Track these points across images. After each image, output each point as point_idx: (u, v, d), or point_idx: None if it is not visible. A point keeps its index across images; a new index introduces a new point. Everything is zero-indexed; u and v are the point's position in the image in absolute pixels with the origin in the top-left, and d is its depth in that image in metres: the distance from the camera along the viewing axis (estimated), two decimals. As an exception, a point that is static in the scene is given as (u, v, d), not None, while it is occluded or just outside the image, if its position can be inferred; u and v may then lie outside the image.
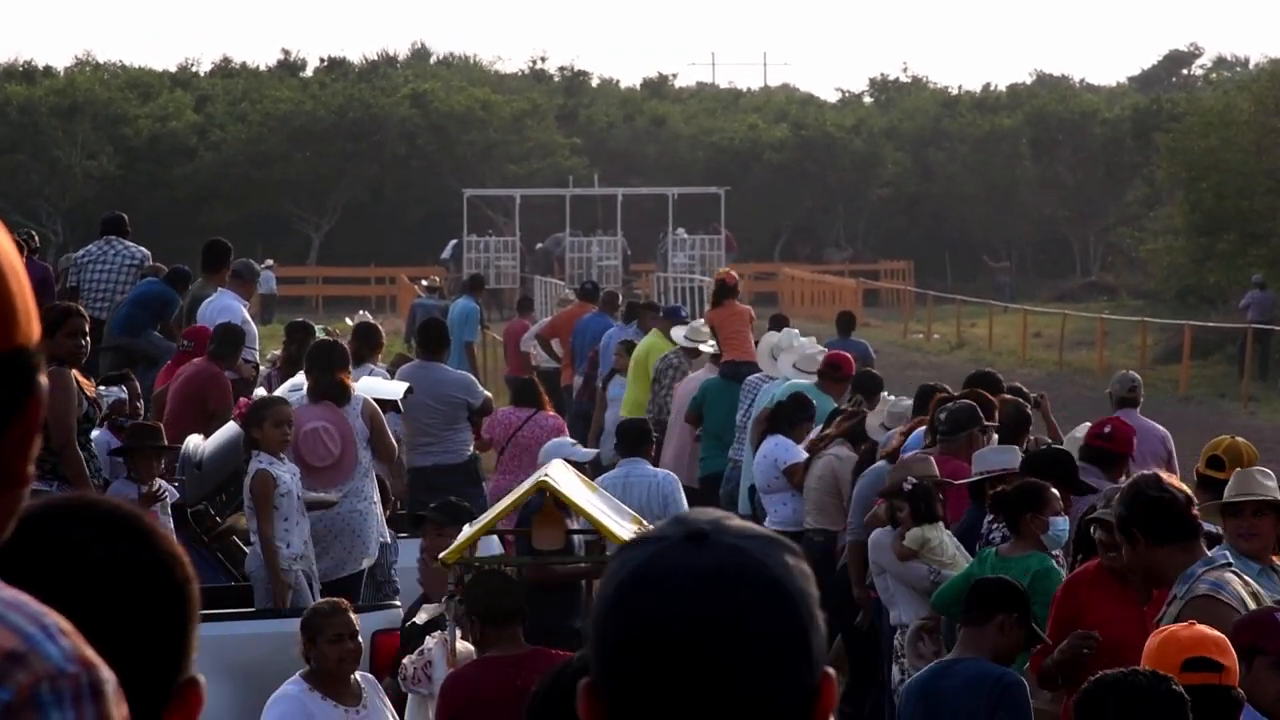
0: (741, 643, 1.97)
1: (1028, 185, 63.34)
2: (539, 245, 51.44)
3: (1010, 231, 63.43)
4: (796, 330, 16.14)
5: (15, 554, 2.04)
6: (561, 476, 9.95)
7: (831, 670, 2.04)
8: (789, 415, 13.60)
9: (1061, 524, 8.84)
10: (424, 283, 34.28)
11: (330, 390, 11.92)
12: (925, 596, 9.71)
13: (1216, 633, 5.77)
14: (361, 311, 26.22)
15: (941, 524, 9.87)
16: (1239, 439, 9.97)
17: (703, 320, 18.32)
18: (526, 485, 9.92)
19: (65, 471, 10.71)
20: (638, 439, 12.67)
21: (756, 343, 16.29)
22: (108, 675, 1.80)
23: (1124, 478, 9.77)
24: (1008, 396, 11.63)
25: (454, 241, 50.52)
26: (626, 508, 10.85)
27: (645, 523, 10.26)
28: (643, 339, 19.46)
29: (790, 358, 15.19)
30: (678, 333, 18.43)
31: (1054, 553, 8.86)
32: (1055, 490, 8.80)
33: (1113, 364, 37.27)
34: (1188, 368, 34.08)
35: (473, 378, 16.07)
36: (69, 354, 10.75)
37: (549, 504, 9.83)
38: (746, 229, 56.14)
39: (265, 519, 10.89)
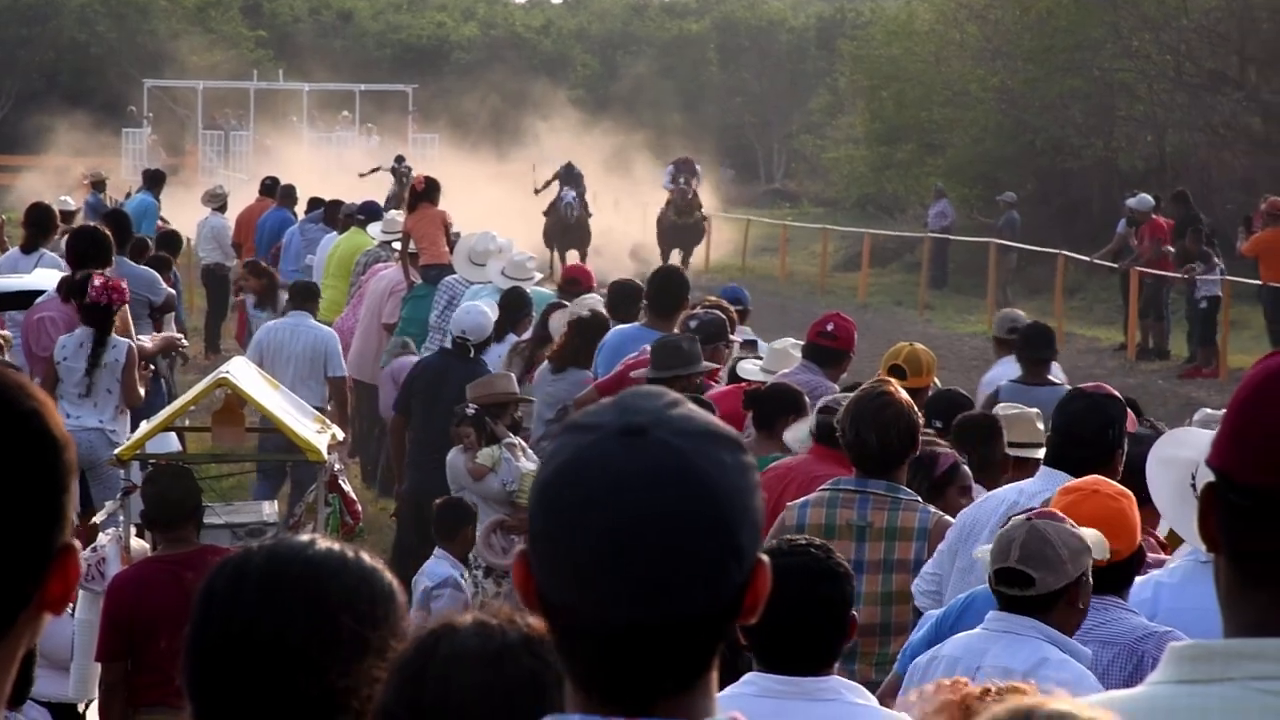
0: (666, 542, 1.98)
1: (714, 91, 63.82)
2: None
3: (698, 138, 63.89)
4: (495, 233, 15.59)
5: None
6: (243, 374, 9.78)
7: (765, 558, 2.04)
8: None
9: (803, 428, 8.61)
10: (88, 177, 32.12)
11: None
12: (504, 505, 10.56)
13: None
14: (63, 198, 25.19)
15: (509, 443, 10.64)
16: (918, 346, 9.81)
17: (397, 214, 18.00)
18: (206, 382, 9.73)
19: None
20: (307, 295, 14.51)
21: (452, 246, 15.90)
22: None
23: (844, 375, 9.84)
24: (711, 305, 11.27)
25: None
26: (309, 406, 10.71)
27: (327, 421, 10.13)
28: (339, 237, 19.01)
29: (499, 264, 14.68)
30: (374, 229, 18.08)
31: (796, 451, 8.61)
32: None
33: (794, 271, 37.85)
34: (866, 275, 34.73)
35: (155, 274, 15.67)
36: None
37: (231, 400, 9.66)
38: (433, 128, 55.76)
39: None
